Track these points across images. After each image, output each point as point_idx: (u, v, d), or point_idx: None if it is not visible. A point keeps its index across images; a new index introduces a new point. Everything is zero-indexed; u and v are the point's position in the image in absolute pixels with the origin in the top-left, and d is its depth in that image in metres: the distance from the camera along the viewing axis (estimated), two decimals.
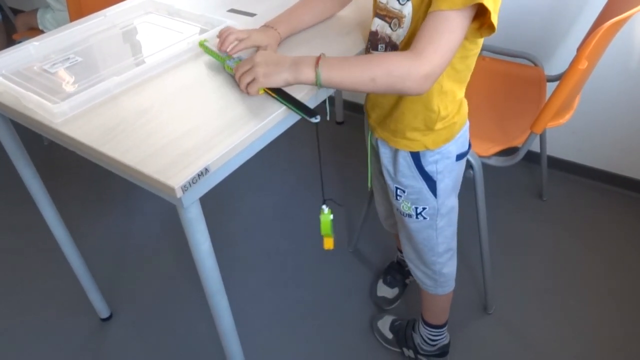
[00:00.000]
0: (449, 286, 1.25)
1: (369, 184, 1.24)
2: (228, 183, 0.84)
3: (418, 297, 1.32)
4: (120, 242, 1.84)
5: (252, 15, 1.24)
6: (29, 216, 1.92)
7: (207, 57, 1.06)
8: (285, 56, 0.87)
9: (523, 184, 1.96)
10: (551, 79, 1.59)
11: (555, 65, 1.78)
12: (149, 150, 0.80)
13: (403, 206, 1.12)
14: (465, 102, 1.02)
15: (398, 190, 1.11)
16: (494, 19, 0.77)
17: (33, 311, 1.61)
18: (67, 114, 0.88)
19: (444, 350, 1.37)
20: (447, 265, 1.21)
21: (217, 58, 1.01)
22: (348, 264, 1.70)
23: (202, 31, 1.16)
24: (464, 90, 0.99)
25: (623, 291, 1.55)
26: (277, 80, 0.86)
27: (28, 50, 1.09)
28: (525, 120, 1.40)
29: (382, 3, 0.93)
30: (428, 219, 1.11)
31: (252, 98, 0.91)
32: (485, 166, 1.29)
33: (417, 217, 1.11)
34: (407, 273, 1.57)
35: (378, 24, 0.95)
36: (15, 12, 3.26)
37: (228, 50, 0.98)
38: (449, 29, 0.76)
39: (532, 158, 1.91)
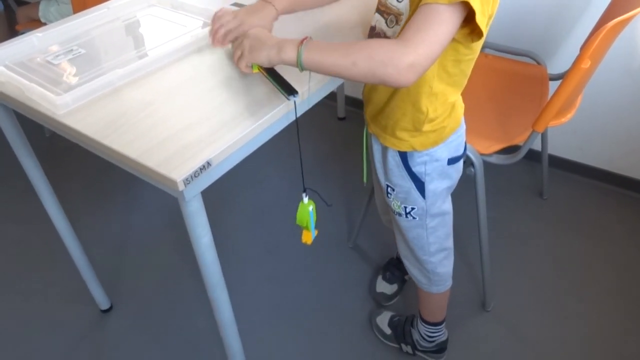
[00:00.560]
0: (444, 285, 1.26)
1: (364, 179, 1.23)
2: (228, 177, 0.84)
3: (416, 293, 1.33)
4: (121, 234, 1.84)
5: None
6: (30, 207, 1.92)
7: (210, 51, 1.06)
8: (275, 36, 0.87)
9: (524, 183, 1.97)
10: (554, 78, 1.59)
11: (558, 63, 1.78)
12: (151, 143, 0.80)
13: (393, 204, 1.12)
14: (459, 107, 1.01)
15: (388, 188, 1.11)
16: (480, 20, 0.75)
17: (33, 302, 1.62)
18: (70, 105, 0.89)
19: (442, 347, 1.38)
20: (442, 265, 1.21)
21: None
22: (347, 260, 1.71)
23: (205, 25, 1.16)
24: (457, 94, 0.98)
25: (622, 290, 1.55)
26: (261, 56, 0.86)
27: (31, 42, 1.09)
28: (527, 119, 1.40)
29: None
30: (417, 218, 1.11)
31: (255, 93, 0.91)
32: (486, 164, 1.29)
33: (406, 217, 1.12)
34: (406, 269, 1.58)
35: (377, 20, 0.95)
36: (18, 2, 3.27)
37: (221, 45, 0.98)
38: (438, 20, 0.73)
39: (533, 156, 1.91)
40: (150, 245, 1.79)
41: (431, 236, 1.13)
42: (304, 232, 0.95)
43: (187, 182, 0.75)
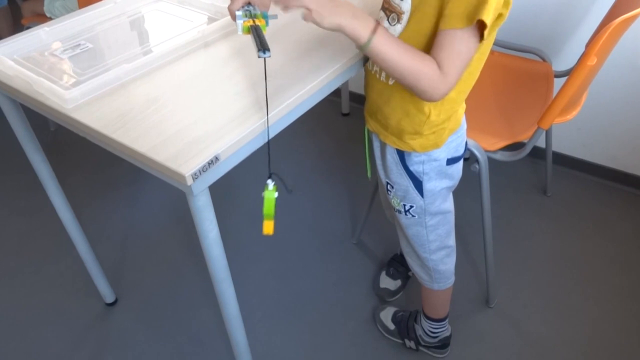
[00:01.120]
0: (446, 283, 1.26)
1: (369, 174, 1.24)
2: (232, 172, 0.84)
3: (420, 289, 1.33)
4: (126, 228, 1.85)
5: None
6: (35, 200, 1.94)
7: (216, 46, 1.06)
8: (342, 1, 0.79)
9: (527, 180, 1.97)
10: (559, 75, 1.59)
11: (564, 60, 1.78)
12: (160, 137, 0.81)
13: (393, 201, 1.13)
14: (460, 108, 1.01)
15: (388, 185, 1.12)
16: (486, 32, 0.79)
17: (39, 294, 1.63)
18: (78, 100, 0.89)
19: (445, 343, 1.38)
20: (443, 263, 1.21)
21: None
22: (351, 255, 1.71)
23: (210, 20, 1.17)
24: (463, 98, 0.98)
25: (625, 287, 1.56)
26: (333, 21, 0.77)
27: (39, 36, 1.10)
28: (532, 116, 1.41)
29: None
30: (416, 216, 1.11)
31: (262, 88, 0.91)
32: (490, 161, 1.30)
33: (405, 214, 1.12)
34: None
35: (380, 16, 0.96)
36: None
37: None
38: (465, 50, 0.81)
39: (537, 153, 1.92)
40: (155, 239, 1.80)
41: (431, 234, 1.14)
42: (266, 223, 0.90)
43: (195, 176, 0.75)
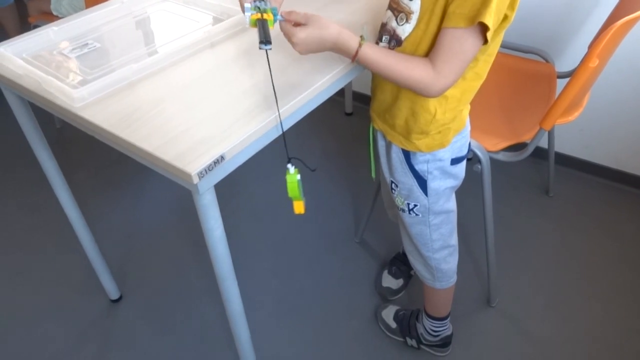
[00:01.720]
0: (448, 282, 1.27)
1: (372, 174, 1.25)
2: (236, 170, 0.86)
3: (422, 288, 1.34)
4: (130, 225, 1.87)
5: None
6: (41, 197, 1.96)
7: (222, 46, 1.07)
8: (324, 36, 0.84)
9: (530, 180, 1.98)
10: (562, 76, 1.60)
11: (566, 61, 1.78)
12: (167, 136, 0.82)
13: (397, 200, 1.14)
14: (465, 110, 1.03)
15: (392, 184, 1.13)
16: (489, 35, 0.81)
17: (44, 290, 1.65)
18: (86, 99, 0.91)
19: (446, 342, 1.39)
20: (445, 262, 1.22)
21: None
22: (354, 254, 1.72)
23: (216, 20, 1.18)
24: (469, 98, 1.00)
25: (628, 288, 1.57)
26: (320, 51, 0.88)
27: (48, 35, 1.11)
28: (534, 116, 1.41)
29: None
30: (420, 215, 1.13)
31: (268, 88, 0.93)
32: (492, 161, 1.31)
33: (409, 213, 1.13)
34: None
35: (388, 16, 0.97)
36: None
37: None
38: (462, 49, 0.83)
39: (539, 154, 1.92)
40: (159, 236, 1.82)
41: (434, 233, 1.15)
42: (296, 204, 0.94)
43: (201, 175, 0.77)
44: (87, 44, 1.09)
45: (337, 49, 0.86)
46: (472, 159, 1.25)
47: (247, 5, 0.85)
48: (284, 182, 0.90)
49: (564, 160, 1.99)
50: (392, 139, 1.05)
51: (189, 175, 0.76)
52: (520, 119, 1.45)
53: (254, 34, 1.11)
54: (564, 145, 1.96)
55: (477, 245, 1.70)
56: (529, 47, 1.68)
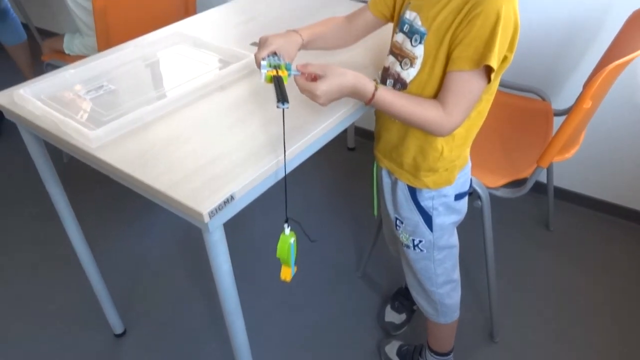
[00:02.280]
0: (452, 316, 1.29)
1: (374, 212, 1.28)
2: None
3: (425, 323, 1.35)
4: (135, 259, 1.88)
5: None
6: (47, 230, 1.98)
7: (231, 89, 1.12)
8: (343, 83, 0.88)
9: (530, 214, 2.00)
10: (558, 114, 1.64)
11: (563, 99, 1.84)
12: (179, 176, 0.86)
13: (402, 236, 1.16)
14: (468, 146, 1.07)
15: (397, 221, 1.16)
16: (493, 76, 0.87)
17: (49, 324, 1.65)
18: (102, 139, 0.95)
19: None
20: (449, 297, 1.24)
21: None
22: (356, 289, 1.74)
23: (222, 62, 1.23)
24: (473, 136, 1.04)
25: (628, 322, 1.57)
26: (340, 98, 0.91)
27: (64, 77, 1.16)
28: (532, 153, 1.45)
29: (397, 42, 0.99)
30: (425, 251, 1.15)
31: (276, 129, 0.97)
32: (492, 196, 1.34)
33: (414, 249, 1.16)
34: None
35: (390, 61, 1.01)
36: (41, 31, 3.39)
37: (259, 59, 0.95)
38: (469, 90, 0.89)
39: (538, 188, 1.95)
40: (164, 270, 1.83)
41: (439, 268, 1.17)
42: (283, 268, 0.93)
43: (212, 214, 0.80)
44: (102, 86, 1.14)
45: (354, 93, 0.90)
46: (472, 193, 1.28)
47: (263, 62, 0.90)
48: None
49: (564, 195, 2.02)
50: (400, 177, 1.09)
51: (200, 215, 0.79)
52: (518, 156, 1.49)
53: (262, 80, 1.16)
54: (563, 180, 2.00)
55: (479, 280, 1.71)
56: (526, 85, 1.74)
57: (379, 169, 1.17)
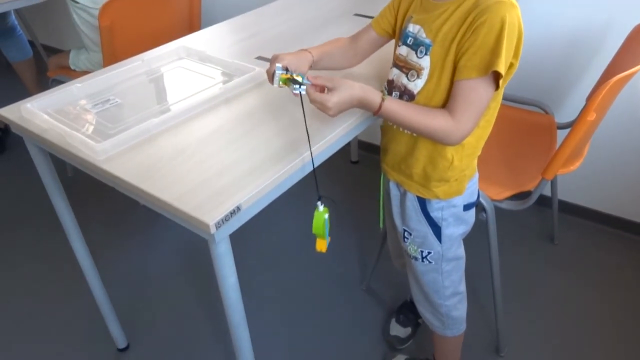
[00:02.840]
0: (459, 329, 1.28)
1: (381, 224, 1.28)
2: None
3: (431, 336, 1.34)
4: (140, 273, 1.88)
5: None
6: (51, 244, 1.98)
7: (236, 102, 1.13)
8: (352, 95, 0.90)
9: (534, 228, 2.00)
10: (561, 127, 1.65)
11: (566, 112, 1.84)
12: (185, 187, 0.86)
13: (410, 248, 1.16)
14: (476, 155, 1.08)
15: (405, 233, 1.16)
16: (501, 82, 0.88)
17: (52, 337, 1.64)
18: (109, 152, 0.95)
19: None
20: (456, 309, 1.24)
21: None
22: (361, 302, 1.73)
23: (227, 75, 1.24)
24: (482, 145, 1.04)
25: (635, 337, 1.56)
26: (348, 109, 0.93)
27: (71, 91, 1.17)
28: (536, 166, 1.45)
29: (401, 55, 1.01)
30: (433, 263, 1.15)
31: (281, 141, 0.98)
32: (497, 209, 1.34)
33: (422, 261, 1.16)
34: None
35: (395, 74, 1.02)
36: (47, 48, 3.44)
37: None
38: (478, 97, 0.89)
39: (543, 201, 1.95)
40: (168, 284, 1.83)
41: (446, 280, 1.17)
42: (318, 241, 0.97)
43: (218, 225, 0.80)
44: (108, 100, 1.15)
45: (362, 104, 0.92)
46: (477, 205, 1.28)
47: (278, 65, 0.93)
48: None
49: (568, 208, 2.01)
50: (409, 188, 1.09)
51: (207, 226, 0.79)
52: (522, 168, 1.49)
53: (267, 90, 1.17)
54: (567, 193, 2.00)
55: (484, 293, 1.70)
56: (529, 99, 1.75)
57: (386, 182, 1.18)
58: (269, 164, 0.92)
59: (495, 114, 1.00)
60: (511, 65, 0.88)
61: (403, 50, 1.00)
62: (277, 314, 1.70)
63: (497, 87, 0.89)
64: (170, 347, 1.60)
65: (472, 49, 0.86)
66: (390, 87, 1.03)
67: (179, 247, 1.98)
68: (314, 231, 0.96)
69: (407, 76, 0.98)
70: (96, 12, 1.76)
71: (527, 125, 1.69)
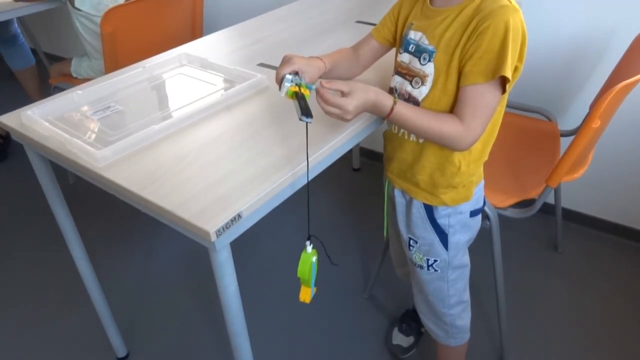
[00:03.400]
0: (463, 338, 1.26)
1: (385, 233, 1.27)
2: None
3: (434, 345, 1.33)
4: (140, 281, 1.87)
5: None
6: (51, 251, 1.97)
7: (238, 109, 1.13)
8: (367, 98, 0.89)
9: (538, 236, 1.98)
10: (565, 134, 1.64)
11: (569, 120, 1.84)
12: (186, 195, 0.85)
13: (415, 257, 1.15)
14: (483, 161, 1.07)
15: (411, 241, 1.14)
16: (508, 86, 0.87)
17: (50, 346, 1.63)
18: (109, 159, 0.94)
19: None
20: (460, 318, 1.22)
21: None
22: (363, 310, 1.71)
23: (228, 82, 1.24)
24: (488, 149, 1.04)
25: (638, 345, 1.54)
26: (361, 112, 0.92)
27: (72, 98, 1.17)
28: (540, 174, 1.44)
29: (403, 62, 1.00)
30: (439, 271, 1.14)
31: (283, 148, 0.97)
32: (501, 217, 1.32)
33: (428, 269, 1.14)
34: None
35: (397, 81, 1.02)
36: (49, 56, 3.44)
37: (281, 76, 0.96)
38: (486, 102, 0.89)
39: (547, 209, 1.93)
40: (168, 292, 1.81)
41: (451, 289, 1.16)
42: (303, 289, 0.91)
43: (219, 233, 0.79)
44: (109, 107, 1.15)
45: (375, 108, 0.91)
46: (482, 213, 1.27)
47: (288, 76, 0.91)
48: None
49: (572, 216, 2.00)
50: (416, 196, 1.08)
51: (207, 233, 0.78)
52: (526, 176, 1.48)
53: (269, 97, 1.17)
54: (571, 201, 1.98)
55: (488, 302, 1.69)
56: (532, 106, 1.74)
57: (391, 190, 1.17)
58: (271, 171, 0.91)
59: (501, 118, 1.00)
60: (516, 69, 0.88)
61: (405, 57, 0.99)
62: (278, 322, 1.68)
63: (503, 91, 0.88)
64: (171, 356, 1.59)
65: (478, 54, 0.85)
66: (393, 95, 1.02)
67: (180, 255, 1.97)
68: (298, 275, 0.88)
69: (411, 83, 0.98)
70: (98, 20, 1.76)
71: (531, 133, 1.68)
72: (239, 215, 0.82)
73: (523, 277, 1.79)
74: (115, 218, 2.19)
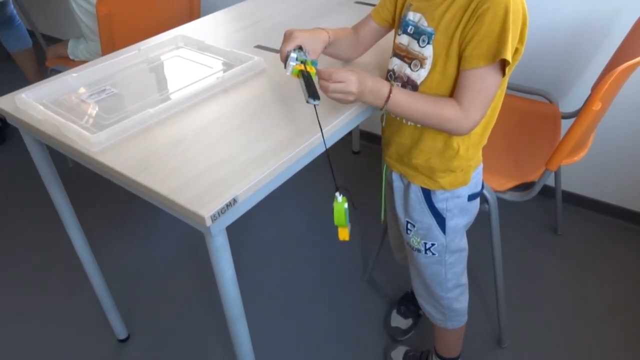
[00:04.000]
0: (460, 321, 1.27)
1: (382, 217, 1.27)
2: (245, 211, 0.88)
3: (432, 328, 1.33)
4: (139, 264, 1.87)
5: (277, 51, 1.30)
6: (50, 236, 1.98)
7: (235, 92, 1.11)
8: (366, 82, 0.89)
9: (538, 219, 1.98)
10: (566, 116, 1.62)
11: (570, 102, 1.82)
12: (181, 180, 0.85)
13: (413, 240, 1.15)
14: (482, 145, 1.06)
15: (408, 225, 1.14)
16: (508, 69, 0.86)
17: (53, 330, 1.64)
18: (104, 143, 0.94)
19: None
20: (458, 301, 1.22)
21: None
22: (362, 293, 1.72)
23: (226, 65, 1.22)
24: (487, 133, 1.03)
25: (638, 327, 1.54)
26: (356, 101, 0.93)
27: (67, 81, 1.16)
28: (540, 156, 1.43)
29: (402, 44, 0.98)
30: (437, 254, 1.14)
31: (280, 132, 0.96)
32: (500, 200, 1.32)
33: (425, 253, 1.14)
34: None
35: (396, 64, 1.00)
36: (46, 38, 3.41)
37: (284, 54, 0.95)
38: (486, 86, 0.87)
39: (546, 192, 1.93)
40: (168, 276, 1.82)
41: (449, 272, 1.16)
42: (341, 230, 0.98)
43: (214, 218, 0.79)
44: (104, 90, 1.14)
45: (372, 93, 0.90)
46: (480, 198, 1.27)
47: (293, 54, 0.89)
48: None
49: (572, 199, 1.99)
50: (414, 180, 1.07)
51: (202, 218, 0.77)
52: (526, 159, 1.47)
53: (266, 80, 1.15)
54: (571, 184, 1.97)
55: (486, 285, 1.69)
56: (533, 88, 1.72)
57: (389, 174, 1.16)
58: (267, 155, 0.90)
59: (501, 102, 0.99)
60: (516, 51, 0.87)
61: (404, 39, 0.98)
62: (277, 305, 1.69)
63: (504, 74, 0.87)
64: (171, 339, 1.60)
65: (477, 37, 0.84)
66: (392, 77, 1.01)
67: (180, 239, 1.97)
68: (335, 222, 0.95)
69: (409, 66, 0.96)
70: (94, 0, 1.73)
71: (531, 115, 1.67)
72: (235, 200, 0.82)
73: (522, 260, 1.79)
74: (115, 201, 2.19)
